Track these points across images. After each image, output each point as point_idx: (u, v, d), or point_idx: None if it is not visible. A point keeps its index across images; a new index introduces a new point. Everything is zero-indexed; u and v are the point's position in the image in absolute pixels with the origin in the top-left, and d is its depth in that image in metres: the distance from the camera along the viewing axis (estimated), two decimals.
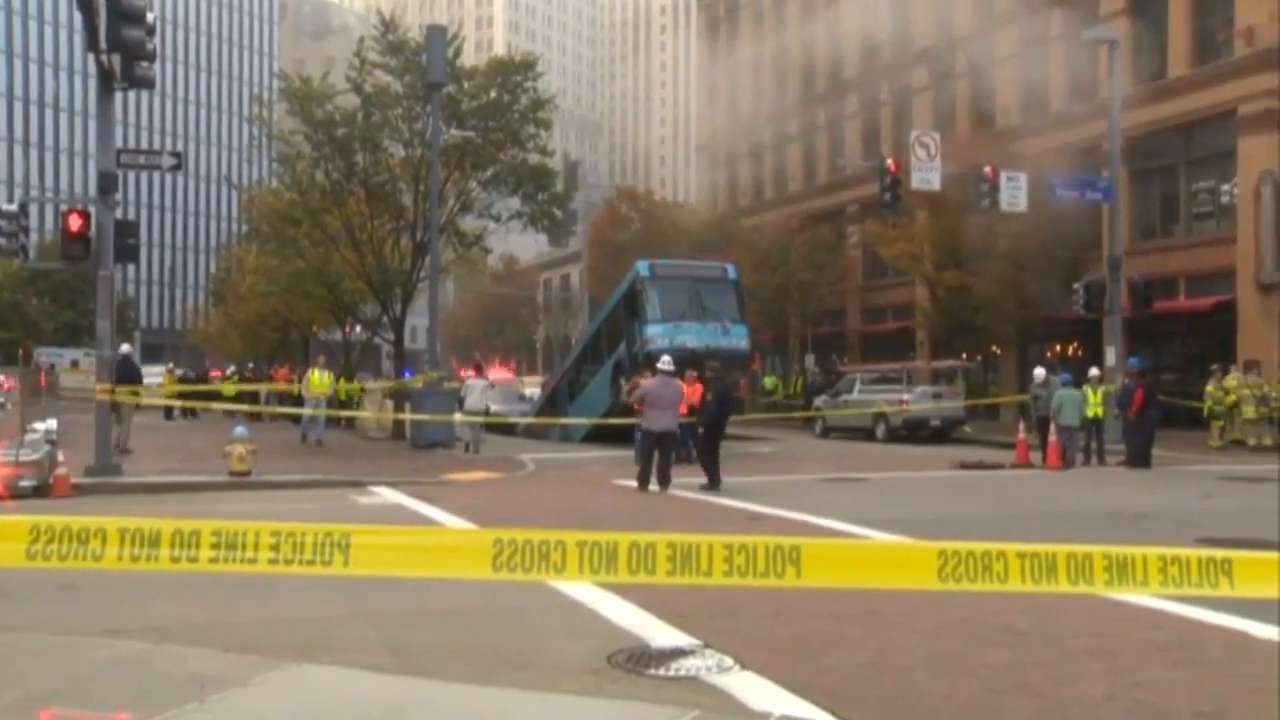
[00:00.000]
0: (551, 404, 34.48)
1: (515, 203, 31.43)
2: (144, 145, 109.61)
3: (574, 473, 21.71)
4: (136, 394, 23.39)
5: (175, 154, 19.72)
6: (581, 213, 64.38)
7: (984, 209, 30.84)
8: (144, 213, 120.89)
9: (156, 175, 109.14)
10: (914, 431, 32.18)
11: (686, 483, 18.15)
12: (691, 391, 21.13)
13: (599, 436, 29.37)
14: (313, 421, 28.07)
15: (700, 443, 18.80)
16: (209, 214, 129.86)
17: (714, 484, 17.87)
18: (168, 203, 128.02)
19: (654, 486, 17.79)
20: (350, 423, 34.67)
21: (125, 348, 24.04)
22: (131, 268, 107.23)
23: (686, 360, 22.90)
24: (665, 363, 18.72)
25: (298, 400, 31.60)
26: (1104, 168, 32.30)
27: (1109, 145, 30.74)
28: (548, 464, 23.23)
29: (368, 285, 31.92)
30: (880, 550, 5.51)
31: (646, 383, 19.00)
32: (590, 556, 4.91)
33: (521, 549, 4.92)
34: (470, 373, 30.02)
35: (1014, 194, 30.08)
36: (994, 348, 40.67)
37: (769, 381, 48.34)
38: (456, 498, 16.31)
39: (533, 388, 46.78)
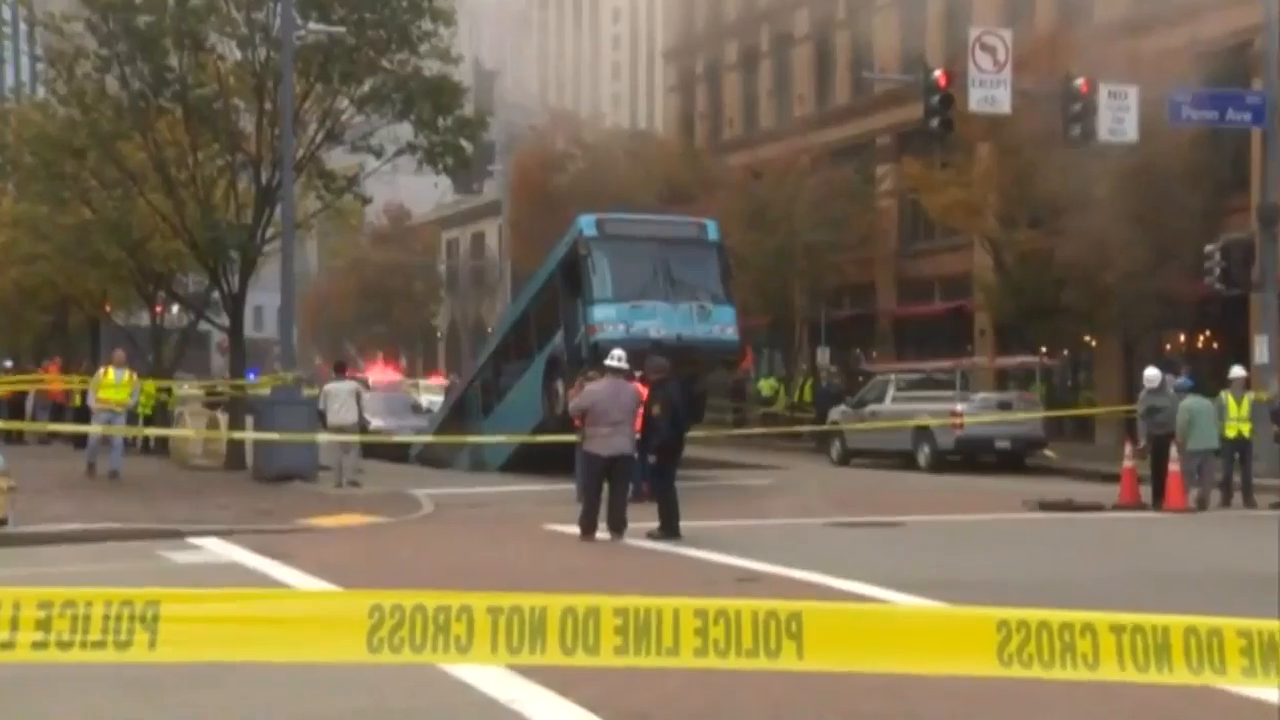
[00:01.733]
0: (459, 417, 34.80)
1: (405, 131, 31.32)
2: None
3: (490, 514, 22.04)
4: None
5: None
6: (501, 146, 64.06)
7: (1075, 139, 30.99)
8: None
9: None
10: (972, 456, 32.56)
11: (648, 528, 18.44)
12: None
13: (526, 462, 29.77)
14: (105, 444, 27.85)
15: (652, 474, 19.30)
16: None
17: (671, 531, 18.23)
18: None
19: (604, 534, 18.06)
20: (163, 446, 34.48)
21: None
22: None
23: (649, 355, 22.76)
24: (617, 358, 18.98)
25: (82, 413, 31.34)
26: (1255, 76, 32.35)
27: (1263, 43, 30.78)
28: (453, 502, 23.58)
29: (189, 247, 31.73)
30: (916, 619, 5.55)
31: (591, 386, 19.31)
32: (508, 629, 4.96)
33: (410, 619, 4.95)
34: (329, 372, 30.42)
35: (1119, 117, 30.27)
36: (1087, 338, 40.91)
37: (766, 386, 48.79)
38: (320, 552, 16.64)
39: (432, 394, 47.58)
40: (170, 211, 31.26)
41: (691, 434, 23.21)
